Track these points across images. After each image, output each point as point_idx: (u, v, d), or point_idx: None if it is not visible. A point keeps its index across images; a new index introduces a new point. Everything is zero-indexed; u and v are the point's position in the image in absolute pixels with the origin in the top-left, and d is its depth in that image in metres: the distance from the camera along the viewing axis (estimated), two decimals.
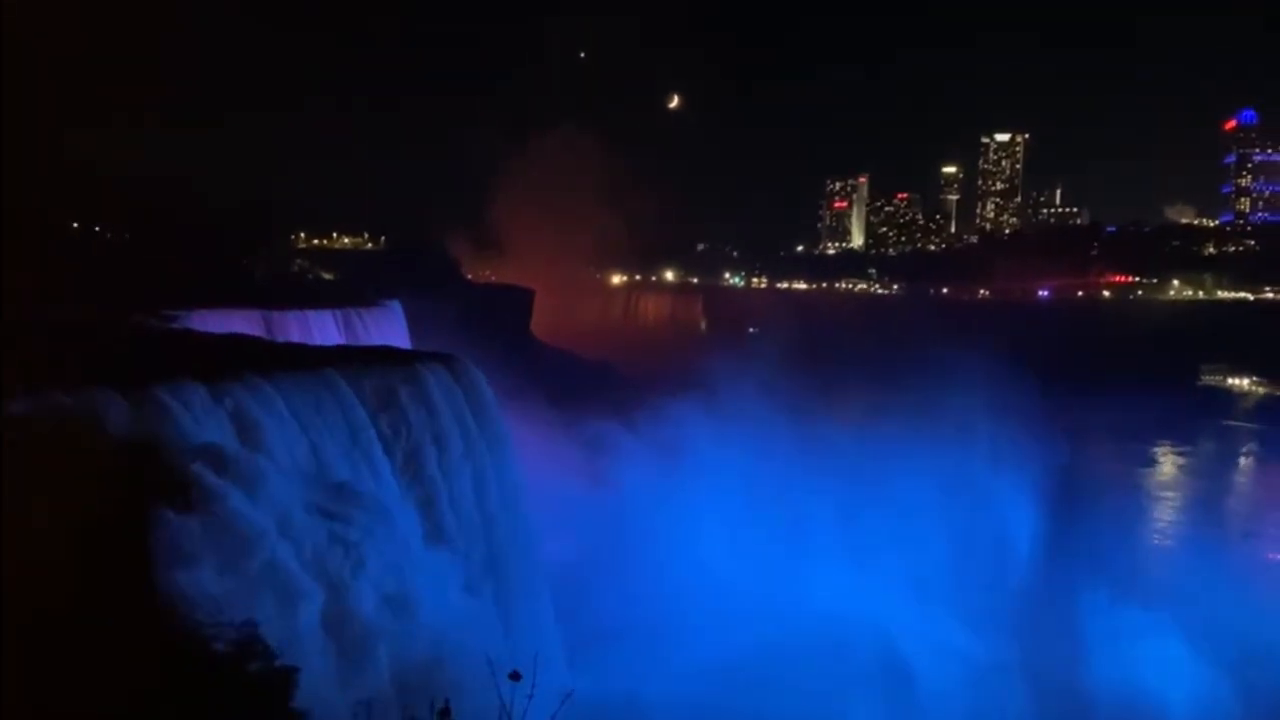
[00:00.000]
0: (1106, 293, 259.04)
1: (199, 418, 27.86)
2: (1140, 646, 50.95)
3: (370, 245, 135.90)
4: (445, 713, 15.26)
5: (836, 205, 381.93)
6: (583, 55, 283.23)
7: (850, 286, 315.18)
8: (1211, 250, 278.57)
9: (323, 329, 58.89)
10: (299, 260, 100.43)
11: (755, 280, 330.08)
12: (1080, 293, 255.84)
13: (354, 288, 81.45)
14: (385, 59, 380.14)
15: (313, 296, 72.34)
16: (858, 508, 59.15)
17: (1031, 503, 61.52)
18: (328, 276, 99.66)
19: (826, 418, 67.53)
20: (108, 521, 22.15)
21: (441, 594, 32.27)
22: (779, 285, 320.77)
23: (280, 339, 52.00)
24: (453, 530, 36.22)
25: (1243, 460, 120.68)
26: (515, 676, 13.02)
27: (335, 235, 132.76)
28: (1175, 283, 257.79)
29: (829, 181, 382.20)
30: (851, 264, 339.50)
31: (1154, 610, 53.54)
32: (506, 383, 48.65)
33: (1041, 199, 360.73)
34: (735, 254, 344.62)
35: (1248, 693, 48.17)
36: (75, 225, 73.99)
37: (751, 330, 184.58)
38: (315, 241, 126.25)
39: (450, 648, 29.62)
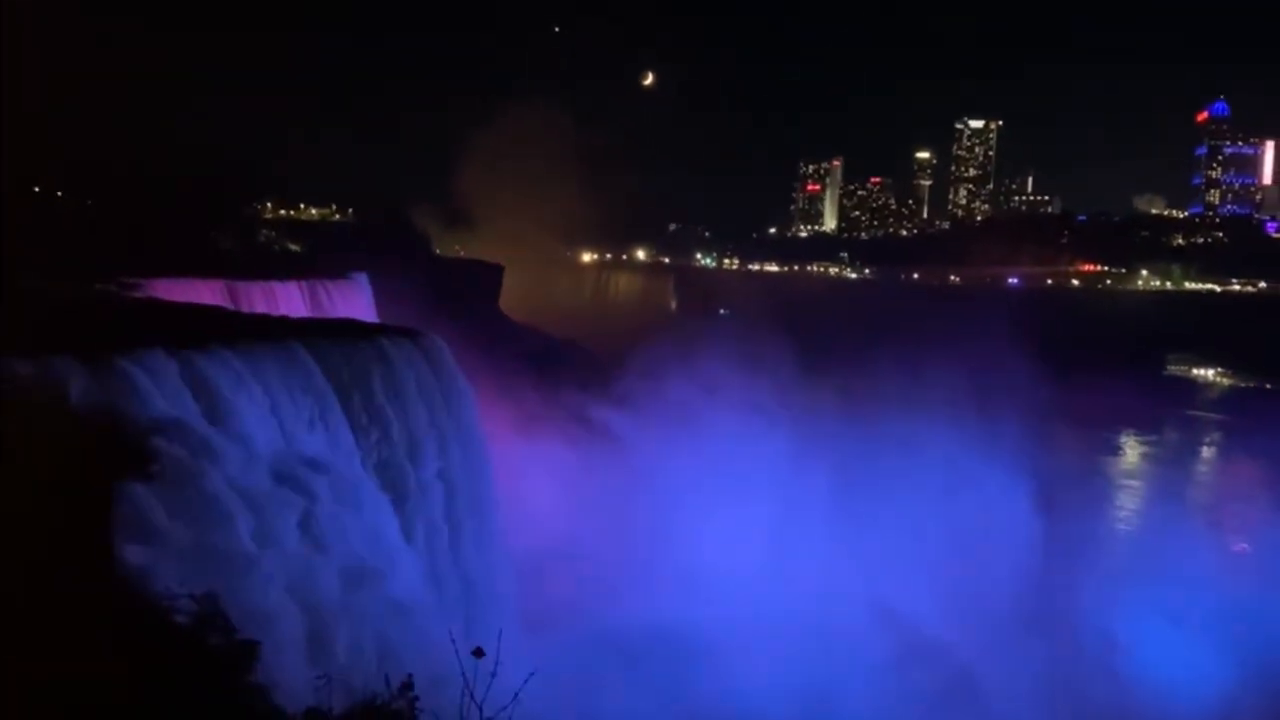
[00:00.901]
0: (1076, 281, 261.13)
1: (162, 388, 27.49)
2: (1105, 619, 52.21)
3: (338, 217, 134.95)
4: (408, 687, 15.09)
5: (810, 188, 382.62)
6: (557, 30, 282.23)
7: (822, 270, 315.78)
8: (1180, 241, 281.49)
9: (288, 301, 58.36)
10: (265, 231, 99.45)
11: (727, 261, 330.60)
12: (1050, 281, 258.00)
13: (321, 260, 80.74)
14: (355, 30, 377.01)
15: (279, 268, 71.73)
16: (831, 491, 59.54)
17: (998, 486, 61.85)
18: (294, 248, 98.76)
19: (794, 400, 67.56)
20: (67, 492, 21.82)
21: (405, 569, 32.12)
22: (751, 267, 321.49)
23: (245, 310, 51.53)
24: (417, 505, 36.05)
25: (1206, 450, 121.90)
26: (478, 653, 12.88)
27: (303, 206, 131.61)
28: (1144, 273, 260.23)
29: (803, 164, 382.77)
30: (824, 247, 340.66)
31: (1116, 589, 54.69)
32: (474, 358, 48.39)
33: (1014, 186, 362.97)
34: (707, 234, 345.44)
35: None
36: (35, 190, 73.05)
37: (722, 312, 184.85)
38: (282, 212, 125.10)
39: (413, 623, 29.48)
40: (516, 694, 12.76)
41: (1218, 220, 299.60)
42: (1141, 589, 56.80)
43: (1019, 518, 60.65)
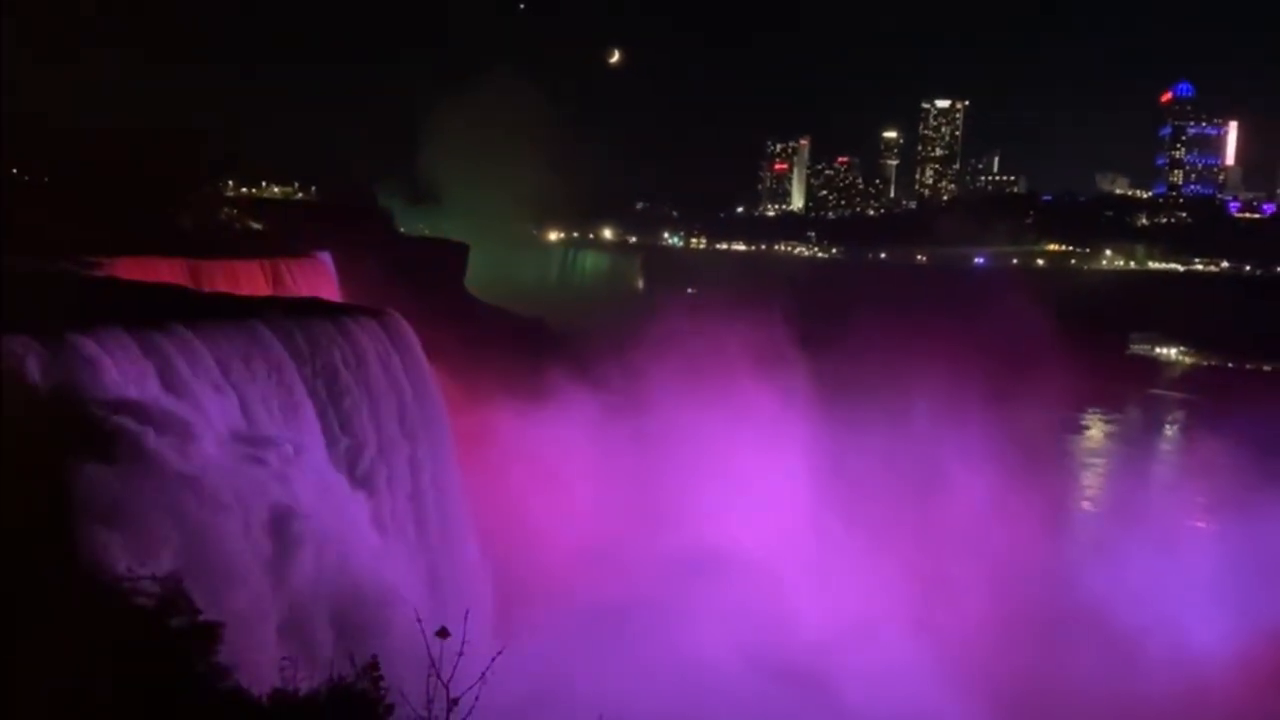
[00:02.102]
0: (1041, 261, 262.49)
1: (122, 367, 27.22)
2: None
3: (300, 195, 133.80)
4: (373, 666, 14.96)
5: (777, 167, 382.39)
6: (522, 7, 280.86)
7: (789, 249, 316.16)
8: (1144, 221, 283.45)
9: (250, 280, 57.89)
10: (226, 209, 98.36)
11: (694, 241, 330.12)
12: (1015, 260, 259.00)
13: (283, 239, 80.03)
14: (317, 5, 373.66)
15: (240, 246, 71.09)
16: (799, 469, 59.92)
17: (963, 464, 62.26)
18: (256, 226, 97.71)
19: (759, 380, 67.48)
20: (26, 474, 21.55)
21: (369, 549, 31.98)
22: (718, 246, 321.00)
23: (207, 289, 51.03)
24: (381, 484, 35.93)
25: (1168, 429, 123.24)
26: (443, 634, 12.77)
27: (264, 184, 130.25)
28: (1108, 252, 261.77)
29: (770, 143, 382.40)
30: (791, 226, 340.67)
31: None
32: (438, 337, 48.15)
33: (980, 166, 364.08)
34: (675, 214, 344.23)
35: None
36: None
37: (690, 291, 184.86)
38: (244, 190, 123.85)
39: (378, 602, 29.36)
40: (484, 673, 12.66)
41: (1181, 200, 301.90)
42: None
43: (988, 501, 60.97)
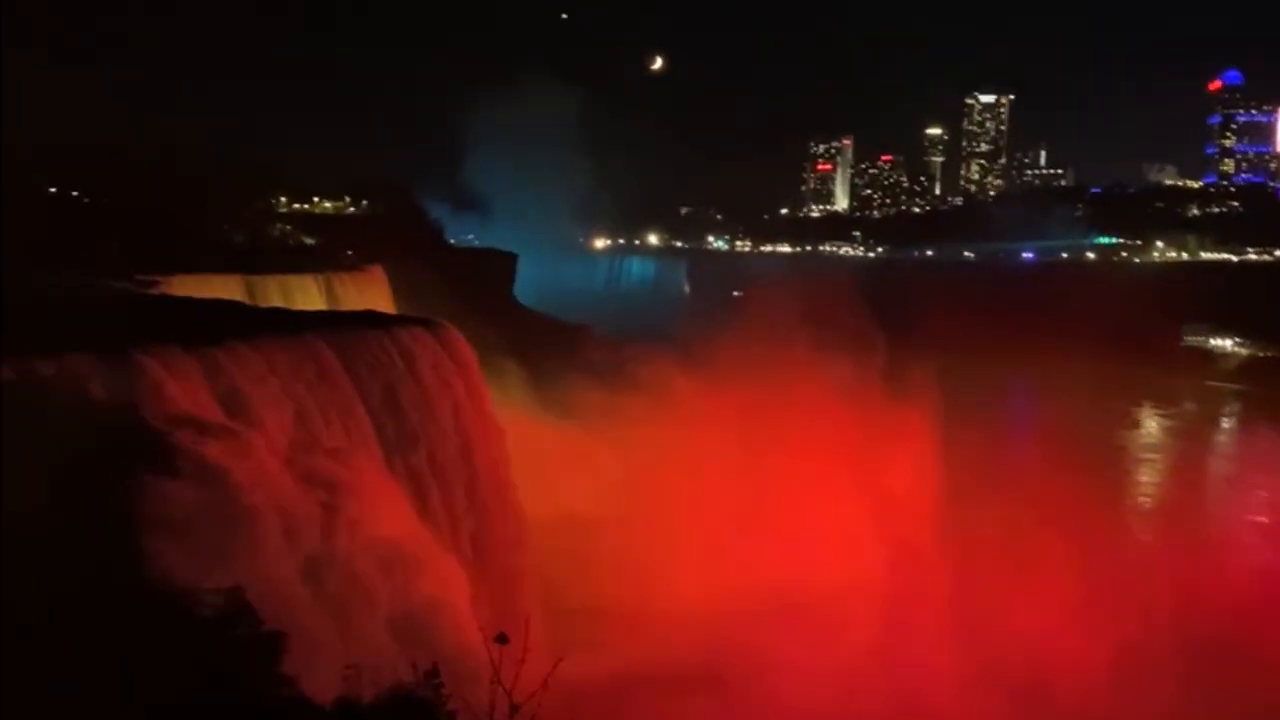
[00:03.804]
0: (1090, 254, 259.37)
1: (181, 384, 27.70)
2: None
3: (352, 209, 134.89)
4: (433, 674, 15.15)
5: (820, 168, 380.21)
6: (565, 17, 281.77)
7: (835, 249, 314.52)
8: (1195, 211, 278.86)
9: (305, 294, 58.68)
10: (280, 225, 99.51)
11: (739, 244, 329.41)
12: (1064, 254, 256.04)
13: (335, 252, 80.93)
14: (367, 26, 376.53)
15: (294, 261, 71.96)
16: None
17: (1016, 460, 61.49)
18: (309, 241, 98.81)
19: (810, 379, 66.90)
20: (91, 489, 22.00)
21: (426, 556, 32.24)
22: (763, 249, 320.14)
23: (262, 304, 51.74)
24: (437, 493, 36.21)
25: (1225, 421, 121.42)
26: (502, 639, 12.82)
27: (316, 200, 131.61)
28: (1159, 244, 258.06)
29: (813, 144, 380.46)
30: (836, 227, 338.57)
31: None
32: (489, 346, 48.43)
33: (1026, 160, 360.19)
34: (719, 217, 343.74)
35: None
36: (52, 190, 73.34)
37: (736, 294, 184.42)
38: (296, 205, 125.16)
39: (435, 611, 29.63)
40: (546, 680, 12.74)
41: (1233, 189, 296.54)
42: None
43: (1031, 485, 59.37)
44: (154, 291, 45.54)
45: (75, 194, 75.11)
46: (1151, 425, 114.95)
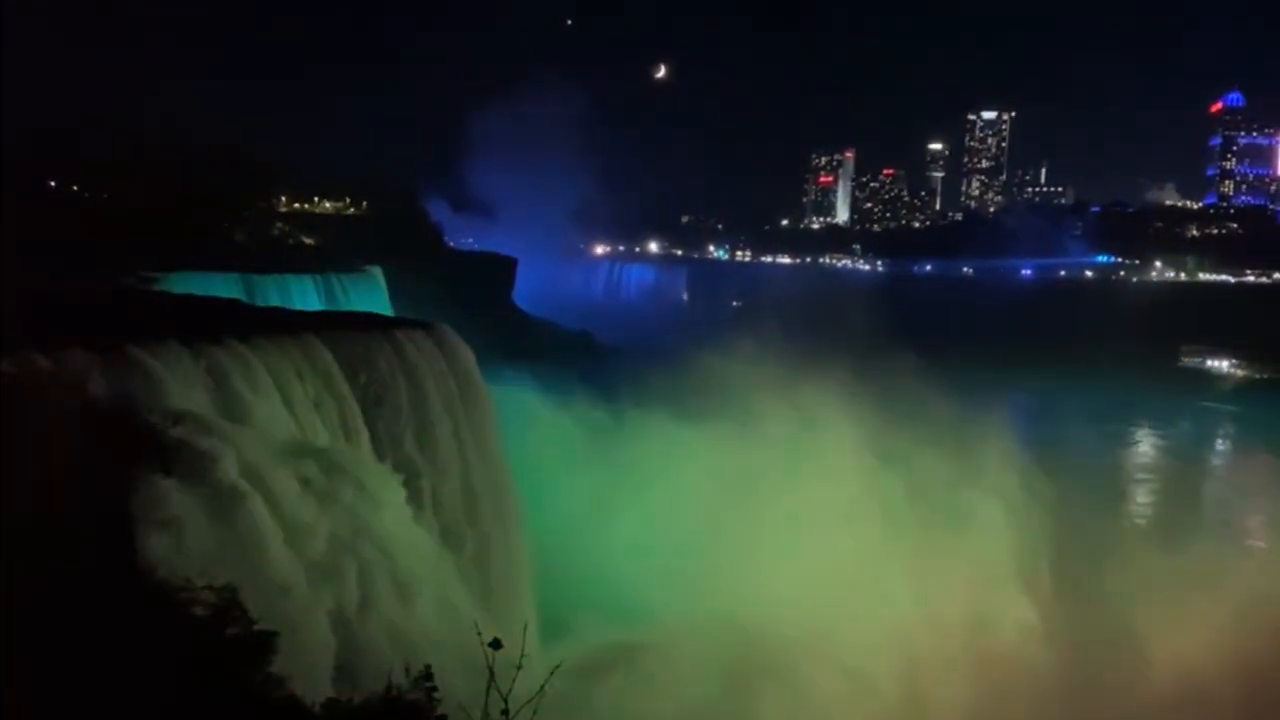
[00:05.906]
0: (1089, 272, 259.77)
1: (179, 381, 27.66)
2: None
3: (352, 210, 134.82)
4: (427, 676, 15.09)
5: (822, 180, 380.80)
6: (569, 23, 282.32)
7: (834, 262, 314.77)
8: (1194, 232, 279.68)
9: (303, 294, 58.66)
10: (279, 224, 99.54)
11: (739, 254, 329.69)
12: (1063, 272, 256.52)
13: (335, 253, 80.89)
14: (372, 25, 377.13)
15: (293, 261, 71.98)
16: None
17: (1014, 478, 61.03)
18: (309, 241, 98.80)
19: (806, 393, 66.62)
20: (86, 485, 21.94)
21: (422, 560, 32.20)
22: (763, 259, 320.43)
23: (260, 303, 51.67)
24: (433, 497, 36.12)
25: (1220, 443, 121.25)
26: (497, 645, 12.71)
27: (317, 199, 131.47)
28: (1157, 264, 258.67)
29: (815, 155, 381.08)
30: (836, 239, 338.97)
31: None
32: (488, 350, 48.21)
33: (1026, 177, 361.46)
34: (720, 227, 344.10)
35: None
36: (52, 184, 73.33)
37: (735, 304, 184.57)
38: (296, 205, 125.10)
39: (431, 614, 29.58)
40: (542, 687, 12.65)
41: (1232, 211, 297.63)
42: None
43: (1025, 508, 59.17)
44: (153, 287, 45.48)
45: (75, 189, 75.10)
46: (1146, 445, 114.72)
